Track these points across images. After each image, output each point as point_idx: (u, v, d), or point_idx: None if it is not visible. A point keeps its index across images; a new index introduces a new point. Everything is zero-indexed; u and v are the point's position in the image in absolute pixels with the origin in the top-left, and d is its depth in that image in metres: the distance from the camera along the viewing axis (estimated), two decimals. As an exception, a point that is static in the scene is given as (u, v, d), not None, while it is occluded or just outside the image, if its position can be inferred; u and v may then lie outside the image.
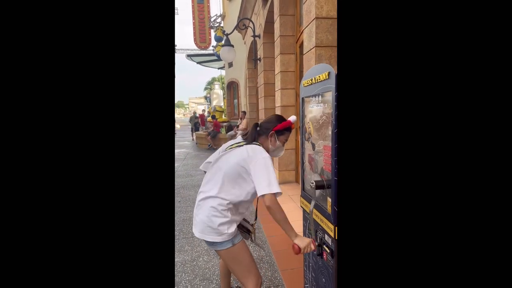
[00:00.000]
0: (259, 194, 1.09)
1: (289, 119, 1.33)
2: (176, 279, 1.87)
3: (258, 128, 1.31)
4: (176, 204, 3.31)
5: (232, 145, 1.31)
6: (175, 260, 2.11)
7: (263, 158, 1.14)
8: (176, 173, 5.24)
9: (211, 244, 1.18)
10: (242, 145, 1.25)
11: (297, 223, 2.70)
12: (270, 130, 1.28)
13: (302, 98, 1.43)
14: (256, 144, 1.24)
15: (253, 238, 1.42)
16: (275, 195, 1.09)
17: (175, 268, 2.00)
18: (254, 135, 1.30)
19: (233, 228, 1.18)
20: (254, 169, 1.12)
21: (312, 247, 1.14)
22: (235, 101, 10.94)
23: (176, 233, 2.58)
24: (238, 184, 1.19)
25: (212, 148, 8.40)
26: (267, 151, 1.28)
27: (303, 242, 1.12)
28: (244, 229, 1.41)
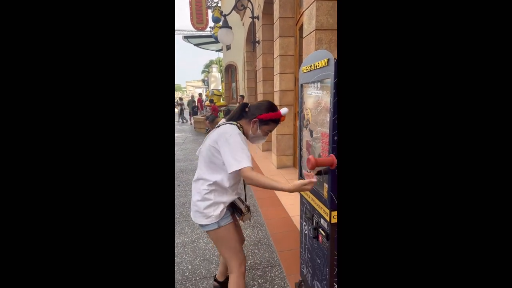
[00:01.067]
0: (229, 171, 1.09)
1: (280, 110, 1.26)
2: (177, 260, 1.95)
3: (246, 109, 1.27)
4: (176, 188, 3.37)
5: (217, 127, 1.29)
6: (176, 242, 2.18)
7: (230, 136, 1.13)
8: (175, 158, 5.28)
9: (201, 226, 1.25)
10: (219, 126, 1.25)
11: (293, 207, 2.79)
12: (255, 116, 1.24)
13: (301, 85, 1.42)
14: (233, 124, 1.21)
15: (243, 219, 1.40)
16: (246, 167, 1.06)
17: (176, 250, 2.07)
18: (239, 116, 1.26)
19: (219, 210, 1.20)
20: (221, 148, 1.12)
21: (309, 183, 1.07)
22: (234, 84, 10.79)
23: (177, 215, 2.65)
24: (215, 165, 1.19)
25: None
26: (246, 135, 1.27)
27: (300, 186, 1.06)
28: (237, 209, 1.40)
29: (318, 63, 1.17)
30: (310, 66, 1.26)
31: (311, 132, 1.32)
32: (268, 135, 1.31)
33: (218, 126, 1.27)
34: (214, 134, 1.22)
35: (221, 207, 1.22)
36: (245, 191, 1.45)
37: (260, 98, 5.63)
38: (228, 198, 1.25)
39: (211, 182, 1.20)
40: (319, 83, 1.21)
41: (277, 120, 1.27)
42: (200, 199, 1.22)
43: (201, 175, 1.24)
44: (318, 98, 1.23)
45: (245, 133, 1.28)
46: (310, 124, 1.33)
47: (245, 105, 1.29)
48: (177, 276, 1.76)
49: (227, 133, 1.14)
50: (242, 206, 1.42)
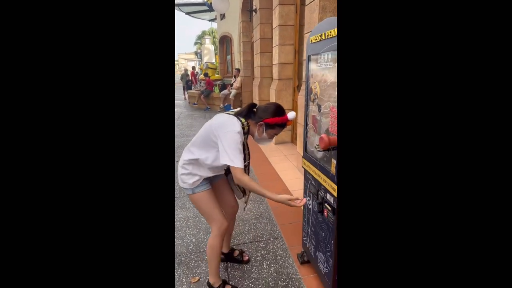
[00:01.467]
0: (222, 161, 1.15)
1: (287, 114, 1.27)
2: (181, 233, 1.99)
3: (254, 109, 1.28)
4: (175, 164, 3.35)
5: (227, 112, 1.32)
6: (179, 216, 2.21)
7: (230, 132, 1.15)
8: (171, 133, 5.20)
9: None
10: (229, 113, 1.29)
11: (292, 181, 2.83)
12: (262, 120, 1.24)
13: (309, 56, 1.35)
14: (240, 120, 1.23)
15: (246, 199, 1.51)
16: (239, 168, 1.14)
17: (179, 224, 2.11)
18: (246, 114, 1.28)
19: (193, 180, 1.27)
20: (220, 139, 1.16)
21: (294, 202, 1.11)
22: (228, 57, 10.40)
23: (177, 191, 2.66)
24: (206, 145, 1.24)
25: (207, 108, 8.24)
26: (252, 135, 1.31)
27: (284, 200, 1.11)
28: (241, 189, 1.49)
29: (330, 32, 1.09)
30: (320, 35, 1.18)
31: (319, 106, 1.28)
32: (273, 137, 1.34)
33: (229, 114, 1.28)
34: (219, 120, 1.24)
35: (196, 178, 1.28)
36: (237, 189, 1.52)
37: (257, 71, 5.45)
38: (203, 173, 1.30)
39: (194, 158, 1.26)
40: (329, 54, 1.14)
41: (283, 124, 1.28)
42: (180, 165, 1.31)
43: (190, 146, 1.30)
44: (328, 71, 1.17)
45: (251, 133, 1.31)
46: (318, 98, 1.28)
47: (253, 105, 1.30)
48: (182, 249, 1.80)
49: (229, 127, 1.17)
50: (239, 191, 1.50)
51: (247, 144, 1.32)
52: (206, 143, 1.24)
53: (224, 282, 1.44)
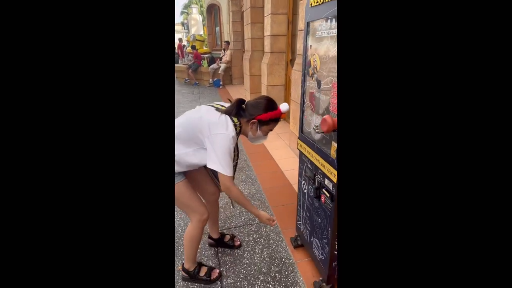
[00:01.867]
0: (208, 165, 1.07)
1: (280, 107, 1.16)
2: (169, 217, 1.89)
3: (243, 106, 1.17)
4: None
5: (216, 109, 1.16)
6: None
7: (222, 136, 1.05)
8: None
9: None
10: (220, 108, 1.14)
11: (284, 161, 2.75)
12: (254, 117, 1.13)
13: (308, 23, 1.17)
14: (232, 120, 1.10)
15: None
16: (229, 176, 1.07)
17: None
18: (236, 112, 1.14)
19: None
20: (211, 140, 1.05)
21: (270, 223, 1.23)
22: (217, 29, 9.80)
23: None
24: (189, 140, 1.11)
25: (195, 84, 7.87)
26: (245, 134, 1.19)
27: (263, 216, 1.20)
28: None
29: (336, -8, 0.92)
30: (323, -3, 1.00)
31: (318, 82, 1.13)
32: (268, 134, 1.22)
33: (218, 109, 1.13)
34: (211, 119, 1.08)
35: None
36: (217, 179, 1.41)
37: (247, 44, 5.13)
38: (177, 168, 1.17)
39: (176, 153, 1.12)
40: (333, 19, 0.97)
41: (277, 119, 1.18)
42: None
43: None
44: (331, 40, 1.01)
45: (243, 133, 1.19)
46: (317, 72, 1.13)
47: (241, 101, 1.15)
48: (170, 234, 1.72)
49: (222, 129, 1.06)
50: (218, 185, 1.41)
51: (237, 145, 1.20)
52: (189, 137, 1.10)
53: (200, 264, 1.39)
